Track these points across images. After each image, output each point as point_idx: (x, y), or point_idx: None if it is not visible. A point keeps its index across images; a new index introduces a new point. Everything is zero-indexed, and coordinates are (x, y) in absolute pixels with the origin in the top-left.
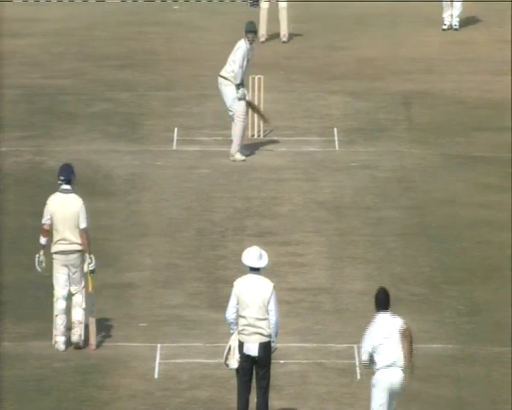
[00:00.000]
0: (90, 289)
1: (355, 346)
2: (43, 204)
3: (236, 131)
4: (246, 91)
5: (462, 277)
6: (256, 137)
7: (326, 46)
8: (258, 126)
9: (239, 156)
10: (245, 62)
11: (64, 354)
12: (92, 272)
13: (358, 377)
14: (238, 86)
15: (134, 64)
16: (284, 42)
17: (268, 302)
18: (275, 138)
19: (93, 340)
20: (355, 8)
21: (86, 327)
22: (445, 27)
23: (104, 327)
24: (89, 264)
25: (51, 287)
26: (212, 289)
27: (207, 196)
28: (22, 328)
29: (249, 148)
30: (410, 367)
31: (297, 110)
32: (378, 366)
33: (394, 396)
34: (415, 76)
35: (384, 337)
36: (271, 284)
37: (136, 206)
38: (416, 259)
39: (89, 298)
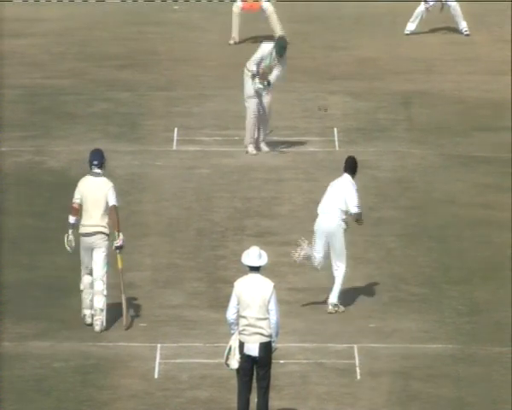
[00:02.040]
0: (119, 266)
1: (355, 346)
2: (43, 204)
3: (247, 124)
4: (262, 86)
5: (462, 277)
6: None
7: (326, 46)
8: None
9: (251, 149)
10: (264, 63)
11: (64, 354)
12: (118, 248)
13: (358, 377)
14: (253, 76)
15: (134, 64)
16: None
17: (268, 302)
18: (275, 138)
19: (126, 318)
20: (355, 8)
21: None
22: (407, 32)
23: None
24: (114, 241)
25: (51, 287)
26: (212, 289)
27: (207, 196)
28: (22, 328)
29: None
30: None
31: (297, 110)
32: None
33: (331, 241)
34: (415, 76)
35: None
36: (271, 284)
37: (136, 206)
38: (415, 259)
39: (119, 276)
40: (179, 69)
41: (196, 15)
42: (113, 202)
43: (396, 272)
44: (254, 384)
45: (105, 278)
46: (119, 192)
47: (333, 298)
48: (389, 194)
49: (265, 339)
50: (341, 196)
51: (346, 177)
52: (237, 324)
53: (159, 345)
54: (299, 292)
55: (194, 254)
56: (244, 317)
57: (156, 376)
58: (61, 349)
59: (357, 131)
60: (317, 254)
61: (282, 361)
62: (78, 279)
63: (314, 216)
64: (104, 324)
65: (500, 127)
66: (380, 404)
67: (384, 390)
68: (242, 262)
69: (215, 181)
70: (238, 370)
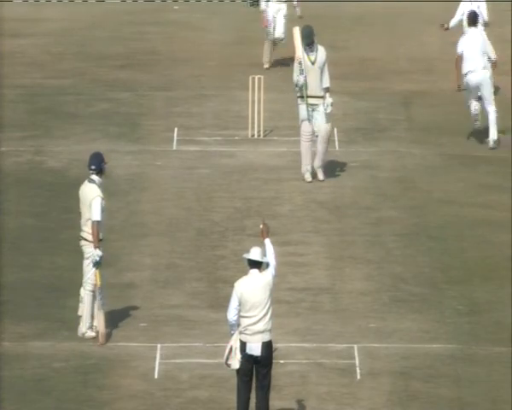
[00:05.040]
0: (97, 282)
1: (355, 346)
2: (43, 204)
3: (300, 150)
4: (304, 96)
5: (462, 277)
6: (256, 137)
7: (326, 46)
8: (258, 126)
9: (307, 177)
10: (306, 71)
11: (64, 354)
12: (94, 264)
13: (358, 377)
14: (301, 98)
15: (134, 64)
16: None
17: (271, 289)
18: (275, 138)
19: (101, 334)
20: (355, 8)
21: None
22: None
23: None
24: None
25: (51, 287)
26: (212, 289)
27: (207, 196)
28: (22, 328)
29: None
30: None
31: (297, 110)
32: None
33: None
34: (415, 76)
35: (469, 48)
36: (270, 274)
37: (136, 206)
38: (415, 259)
39: (97, 291)
40: (179, 69)
41: (196, 15)
42: (92, 216)
43: (396, 272)
44: (253, 384)
45: (88, 286)
46: (119, 192)
47: (493, 135)
48: (389, 194)
49: (267, 338)
50: (479, 48)
51: (474, 31)
52: (238, 325)
53: (159, 345)
54: (299, 292)
55: (195, 254)
56: (247, 317)
57: (156, 376)
58: (61, 349)
59: (357, 131)
60: (474, 105)
61: (282, 361)
62: (79, 279)
63: (314, 216)
64: (84, 330)
65: (500, 127)
66: (380, 404)
67: (384, 390)
68: (244, 257)
69: (215, 181)
70: (238, 370)
